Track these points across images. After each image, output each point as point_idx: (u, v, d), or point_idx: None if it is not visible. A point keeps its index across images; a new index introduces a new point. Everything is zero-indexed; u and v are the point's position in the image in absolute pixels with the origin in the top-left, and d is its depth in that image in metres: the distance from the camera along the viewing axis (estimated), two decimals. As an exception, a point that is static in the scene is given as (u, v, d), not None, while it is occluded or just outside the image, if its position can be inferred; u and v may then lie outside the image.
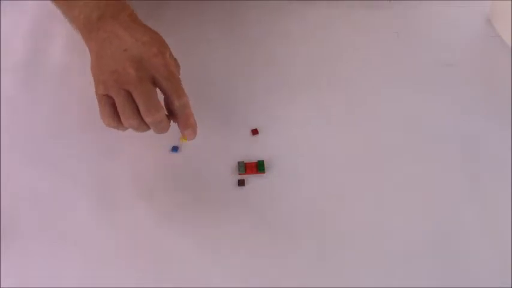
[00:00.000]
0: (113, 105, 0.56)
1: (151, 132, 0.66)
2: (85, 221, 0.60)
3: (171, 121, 0.59)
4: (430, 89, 0.70)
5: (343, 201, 0.61)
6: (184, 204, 0.61)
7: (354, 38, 0.76)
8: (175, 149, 0.65)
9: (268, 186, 0.62)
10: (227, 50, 0.74)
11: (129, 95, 0.55)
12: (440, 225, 0.59)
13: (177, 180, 0.63)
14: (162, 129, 0.58)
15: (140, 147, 0.65)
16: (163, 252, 0.58)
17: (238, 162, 0.63)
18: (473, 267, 0.57)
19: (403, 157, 0.64)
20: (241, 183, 0.62)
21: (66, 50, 0.74)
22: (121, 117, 0.56)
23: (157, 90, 0.57)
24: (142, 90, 0.55)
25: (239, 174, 0.63)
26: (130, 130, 0.66)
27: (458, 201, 0.61)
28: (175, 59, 0.60)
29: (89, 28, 0.60)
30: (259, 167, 0.63)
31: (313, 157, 0.64)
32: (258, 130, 0.65)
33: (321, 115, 0.68)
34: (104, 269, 0.57)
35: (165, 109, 0.58)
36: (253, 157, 0.64)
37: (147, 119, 0.56)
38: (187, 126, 0.58)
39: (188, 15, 0.77)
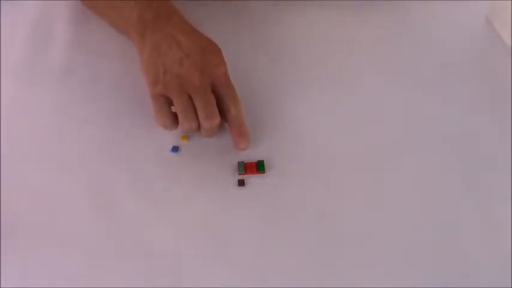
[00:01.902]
0: (169, 105, 0.60)
1: (151, 132, 0.66)
2: (85, 221, 0.60)
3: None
4: (430, 89, 0.70)
5: (343, 201, 0.61)
6: (184, 204, 0.61)
7: (354, 38, 0.76)
8: (175, 149, 0.65)
9: (268, 186, 0.62)
10: (227, 50, 0.74)
11: (191, 99, 0.59)
12: (440, 225, 0.59)
13: (177, 180, 0.63)
14: (213, 134, 0.62)
15: (140, 147, 0.65)
16: (163, 252, 0.58)
17: (238, 162, 0.64)
18: (473, 267, 0.57)
19: (403, 157, 0.64)
20: (241, 183, 0.62)
21: (66, 50, 0.74)
22: (181, 118, 0.59)
23: None
24: (204, 96, 0.59)
25: (239, 174, 0.63)
26: (130, 130, 0.66)
27: (458, 201, 0.61)
28: (227, 69, 0.62)
29: (142, 28, 0.62)
30: (259, 167, 0.63)
31: (314, 157, 0.64)
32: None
33: (321, 115, 0.68)
34: (104, 268, 0.57)
35: (219, 116, 0.60)
36: (253, 157, 0.64)
37: (205, 124, 0.59)
38: (241, 134, 0.62)
39: (193, 15, 0.77)
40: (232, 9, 0.79)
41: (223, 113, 0.61)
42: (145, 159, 0.64)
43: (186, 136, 0.65)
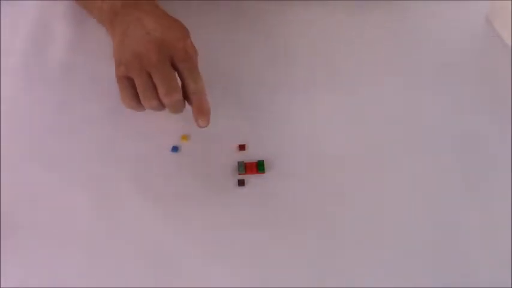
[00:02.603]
0: (133, 87, 0.58)
1: (151, 132, 0.66)
2: (85, 221, 0.60)
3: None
4: (430, 89, 0.70)
5: (343, 201, 0.61)
6: (184, 204, 0.61)
7: (354, 38, 0.76)
8: (175, 149, 0.65)
9: (268, 186, 0.62)
10: (227, 50, 0.74)
11: (150, 77, 0.57)
12: (440, 225, 0.59)
13: (177, 180, 0.63)
14: (177, 109, 0.61)
15: (140, 147, 0.65)
16: (163, 252, 0.58)
17: (238, 162, 0.64)
18: (473, 267, 0.57)
19: (403, 157, 0.64)
20: (241, 183, 0.62)
21: (67, 50, 0.74)
22: (141, 98, 0.58)
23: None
24: (162, 72, 0.57)
25: (239, 174, 0.63)
26: (130, 130, 0.66)
27: (458, 201, 0.61)
28: (193, 45, 0.61)
29: (112, 16, 0.63)
30: (259, 167, 0.63)
31: (313, 157, 0.64)
32: (246, 146, 0.65)
33: (321, 115, 0.68)
34: (104, 268, 0.57)
35: (181, 91, 0.59)
36: (253, 157, 0.64)
37: (165, 100, 0.58)
38: (201, 111, 0.60)
39: (189, 15, 0.76)
40: (230, 8, 0.79)
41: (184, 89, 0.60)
42: (146, 159, 0.64)
43: (186, 136, 0.65)
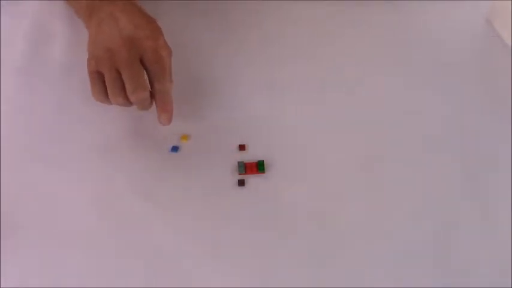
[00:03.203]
0: (103, 82, 0.59)
1: (151, 132, 0.66)
2: (85, 221, 0.60)
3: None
4: (430, 89, 0.70)
5: (343, 201, 0.61)
6: (184, 204, 0.61)
7: (354, 38, 0.76)
8: (175, 149, 0.65)
9: (268, 186, 0.62)
10: (228, 50, 0.74)
11: (119, 74, 0.58)
12: (440, 224, 0.59)
13: (176, 180, 0.63)
14: (144, 107, 0.62)
15: (140, 147, 0.65)
16: (163, 252, 0.58)
17: (238, 162, 0.63)
18: (473, 267, 0.57)
19: (403, 157, 0.64)
20: (241, 183, 0.62)
21: (66, 50, 0.74)
22: (109, 94, 0.59)
23: None
24: (131, 70, 0.58)
25: (239, 174, 0.63)
26: (130, 130, 0.66)
27: (458, 200, 0.61)
28: (167, 46, 0.62)
29: (89, 11, 0.64)
30: (259, 167, 0.63)
31: (313, 157, 0.64)
32: (246, 146, 0.65)
33: (321, 115, 0.68)
34: (104, 268, 0.57)
35: (149, 89, 0.60)
36: (253, 157, 0.64)
37: (132, 97, 0.59)
38: (163, 110, 0.61)
39: (183, 16, 0.77)
40: (230, 8, 0.79)
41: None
42: (146, 159, 0.64)
43: (186, 136, 0.65)
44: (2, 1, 0.79)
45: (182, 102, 0.68)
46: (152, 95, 0.61)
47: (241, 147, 0.65)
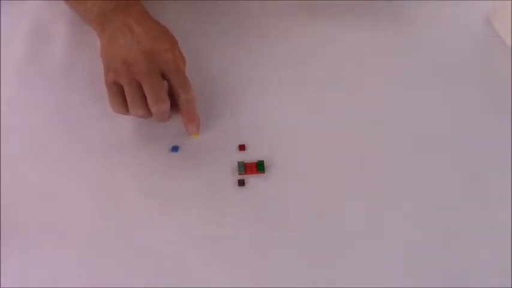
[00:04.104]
0: (122, 94, 0.60)
1: (151, 132, 0.66)
2: (85, 221, 0.60)
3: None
4: (430, 89, 0.70)
5: (343, 201, 0.61)
6: (184, 204, 0.61)
7: (354, 38, 0.76)
8: (175, 149, 0.65)
9: (268, 186, 0.62)
10: (227, 50, 0.74)
11: (139, 85, 0.59)
12: (440, 225, 0.59)
13: (176, 180, 0.63)
14: (164, 119, 0.63)
15: (140, 147, 0.65)
16: (163, 252, 0.58)
17: (238, 162, 0.64)
18: (473, 267, 0.57)
19: (403, 157, 0.64)
20: (241, 183, 0.62)
21: (66, 49, 0.74)
22: (129, 106, 0.60)
23: None
24: (152, 82, 0.59)
25: (239, 174, 0.63)
26: (130, 130, 0.66)
27: (458, 200, 0.61)
28: (183, 56, 0.63)
29: (101, 19, 0.64)
30: (259, 167, 0.63)
31: (313, 157, 0.64)
32: (246, 146, 0.65)
33: (321, 115, 0.68)
34: (104, 268, 0.57)
35: (169, 101, 0.61)
36: (253, 157, 0.64)
37: (153, 109, 0.60)
38: (191, 120, 0.63)
39: (186, 15, 0.77)
40: (231, 10, 0.79)
41: (174, 99, 0.62)
42: (145, 159, 0.64)
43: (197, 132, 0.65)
44: (2, 1, 0.79)
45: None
46: (176, 107, 0.62)
47: (241, 147, 0.65)
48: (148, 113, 0.61)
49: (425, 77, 0.72)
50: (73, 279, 0.56)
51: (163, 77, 0.61)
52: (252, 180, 0.63)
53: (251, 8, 0.79)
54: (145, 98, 0.60)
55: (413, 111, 0.68)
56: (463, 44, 0.75)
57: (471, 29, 0.77)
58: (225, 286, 0.56)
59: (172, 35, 0.64)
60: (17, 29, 0.76)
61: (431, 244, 0.58)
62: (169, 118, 0.63)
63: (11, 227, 0.59)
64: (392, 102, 0.69)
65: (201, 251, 0.58)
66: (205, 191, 0.62)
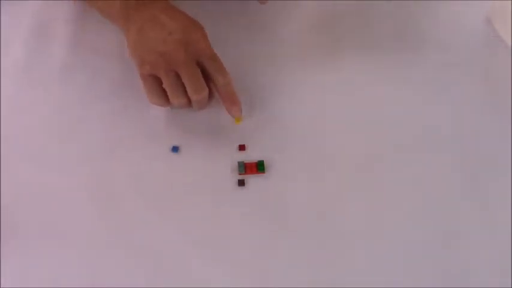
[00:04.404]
0: (159, 85, 0.62)
1: (151, 132, 0.66)
2: (85, 221, 0.60)
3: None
4: (430, 89, 0.70)
5: (343, 201, 0.61)
6: (184, 204, 0.61)
7: (353, 38, 0.76)
8: (175, 149, 0.65)
9: (268, 186, 0.62)
10: (227, 51, 0.74)
11: (178, 76, 0.61)
12: (440, 225, 0.59)
13: (176, 180, 0.63)
14: (203, 106, 0.65)
15: (140, 147, 0.65)
16: (163, 252, 0.58)
17: (238, 162, 0.64)
18: (473, 267, 0.57)
19: (403, 157, 0.64)
20: (241, 183, 0.62)
21: (66, 50, 0.73)
22: (170, 96, 0.62)
23: None
24: (190, 71, 0.61)
25: (239, 174, 0.63)
26: (130, 130, 0.66)
27: (458, 200, 0.61)
28: (210, 44, 0.64)
29: (126, 12, 0.65)
30: (259, 167, 0.63)
31: (313, 157, 0.64)
32: (246, 146, 0.65)
33: (321, 115, 0.68)
34: (104, 268, 0.57)
35: (208, 88, 0.63)
36: (253, 157, 0.64)
37: (194, 97, 0.62)
38: (233, 103, 0.64)
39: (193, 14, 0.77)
40: (231, 9, 0.78)
41: (212, 85, 0.64)
42: (146, 159, 0.64)
43: (239, 118, 0.66)
44: (2, 1, 0.79)
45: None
46: (216, 92, 0.64)
47: (241, 147, 0.65)
48: (189, 102, 0.63)
49: (425, 77, 0.72)
50: (73, 279, 0.56)
51: (198, 65, 0.62)
52: (252, 180, 0.63)
53: (252, 9, 0.79)
54: (184, 87, 0.61)
55: (413, 111, 0.68)
56: (463, 44, 0.75)
57: (471, 29, 0.77)
58: (225, 286, 0.56)
59: (200, 24, 0.64)
60: (17, 29, 0.76)
61: (431, 244, 0.58)
62: (207, 105, 0.65)
63: (11, 227, 0.59)
64: (392, 102, 0.69)
65: (201, 251, 0.58)
66: (205, 191, 0.62)
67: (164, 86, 0.61)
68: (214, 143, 0.65)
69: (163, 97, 0.62)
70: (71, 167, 0.63)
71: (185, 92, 0.62)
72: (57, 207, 0.61)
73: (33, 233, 0.59)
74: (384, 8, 0.79)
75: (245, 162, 0.64)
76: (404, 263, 0.57)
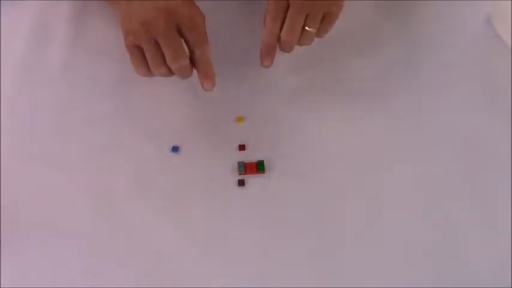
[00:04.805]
0: (143, 55, 0.60)
1: (151, 132, 0.66)
2: (85, 221, 0.60)
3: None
4: (430, 89, 0.70)
5: (343, 201, 0.61)
6: (184, 204, 0.61)
7: (353, 38, 0.76)
8: (175, 149, 0.65)
9: (268, 186, 0.62)
10: (228, 50, 0.74)
11: (158, 45, 0.59)
12: (440, 225, 0.59)
13: (176, 180, 0.63)
14: (185, 75, 0.63)
15: (140, 147, 0.65)
16: (163, 252, 0.58)
17: (238, 162, 0.64)
18: (473, 267, 0.57)
19: (403, 157, 0.64)
20: (241, 183, 0.62)
21: (66, 50, 0.73)
22: (150, 65, 0.60)
23: None
24: (169, 39, 0.59)
25: (239, 174, 0.63)
26: (130, 130, 0.66)
27: (458, 201, 0.61)
28: (201, 12, 0.62)
29: None
30: (259, 167, 0.63)
31: (313, 157, 0.64)
32: (246, 146, 0.65)
33: (321, 115, 0.68)
34: (104, 268, 0.57)
35: (188, 57, 0.61)
36: (253, 157, 0.64)
37: (173, 66, 0.60)
38: (205, 76, 0.62)
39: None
40: (231, 9, 0.78)
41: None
42: (146, 159, 0.64)
43: (241, 118, 0.66)
44: (2, 1, 0.79)
45: (182, 102, 0.68)
46: (192, 63, 0.62)
47: (241, 147, 0.65)
48: (170, 71, 0.61)
49: (425, 77, 0.71)
50: (73, 279, 0.56)
51: (180, 34, 0.60)
52: (252, 180, 0.63)
53: (253, 7, 0.79)
54: (164, 56, 0.60)
55: (413, 111, 0.68)
56: (463, 44, 0.75)
57: (471, 29, 0.77)
58: (225, 286, 0.56)
59: None
60: (17, 29, 0.76)
61: (431, 244, 0.58)
62: (192, 73, 0.63)
63: (11, 227, 0.59)
64: (393, 102, 0.69)
65: (201, 251, 0.58)
66: (205, 191, 0.62)
67: (146, 55, 0.60)
68: (214, 143, 0.65)
69: (146, 67, 0.61)
70: (71, 167, 0.63)
71: (165, 60, 0.60)
72: (57, 207, 0.61)
73: (33, 233, 0.59)
74: (384, 7, 0.79)
75: (245, 162, 0.64)
76: (404, 263, 0.57)
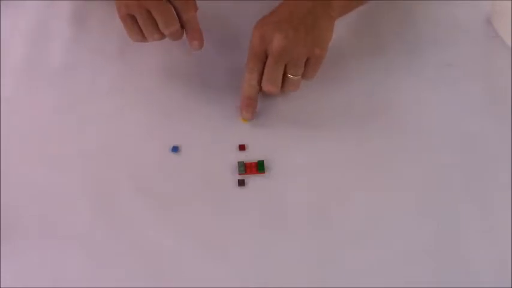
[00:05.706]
0: (136, 24, 0.64)
1: (151, 132, 0.66)
2: (85, 221, 0.60)
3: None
4: (430, 89, 0.70)
5: (343, 201, 0.61)
6: (184, 204, 0.61)
7: (353, 38, 0.76)
8: (175, 149, 0.65)
9: (268, 186, 0.62)
10: (228, 49, 0.74)
11: (149, 13, 0.63)
12: (440, 224, 0.59)
13: (176, 180, 0.63)
14: (177, 38, 0.66)
15: (140, 147, 0.65)
16: (163, 252, 0.58)
17: (238, 162, 0.64)
18: (473, 267, 0.57)
19: (403, 157, 0.64)
20: (241, 183, 0.62)
21: (66, 49, 0.74)
22: (144, 33, 0.65)
23: None
24: (159, 7, 0.62)
25: (239, 174, 0.63)
26: (130, 130, 0.66)
27: (458, 201, 0.61)
28: None
29: None
30: (259, 167, 0.63)
31: (313, 157, 0.64)
32: (246, 146, 0.65)
33: (321, 114, 0.68)
34: (104, 268, 0.57)
35: (178, 22, 0.64)
36: (253, 157, 0.64)
37: (165, 32, 0.64)
38: (193, 37, 0.66)
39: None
40: (232, 8, 0.78)
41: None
42: (146, 159, 0.64)
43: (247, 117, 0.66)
44: (2, 1, 0.79)
45: (182, 102, 0.68)
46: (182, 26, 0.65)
47: (241, 147, 0.65)
48: (163, 36, 0.65)
49: (426, 76, 0.71)
50: (73, 279, 0.56)
51: (170, 1, 0.63)
52: (252, 180, 0.63)
53: (253, 7, 0.79)
54: (157, 23, 0.63)
55: (413, 110, 0.68)
56: (463, 44, 0.75)
57: (471, 29, 0.76)
58: (225, 286, 0.56)
59: None
60: (17, 29, 0.76)
61: (431, 244, 0.58)
62: (183, 36, 0.66)
63: (11, 227, 0.59)
64: (393, 101, 0.69)
65: (201, 251, 0.58)
66: (205, 191, 0.62)
67: (139, 23, 0.63)
68: (214, 143, 0.65)
69: (140, 34, 0.65)
70: (71, 167, 0.63)
71: (158, 27, 0.64)
72: (57, 207, 0.61)
73: (33, 233, 0.59)
74: (384, 7, 0.79)
75: (245, 162, 0.64)
76: (404, 262, 0.57)
